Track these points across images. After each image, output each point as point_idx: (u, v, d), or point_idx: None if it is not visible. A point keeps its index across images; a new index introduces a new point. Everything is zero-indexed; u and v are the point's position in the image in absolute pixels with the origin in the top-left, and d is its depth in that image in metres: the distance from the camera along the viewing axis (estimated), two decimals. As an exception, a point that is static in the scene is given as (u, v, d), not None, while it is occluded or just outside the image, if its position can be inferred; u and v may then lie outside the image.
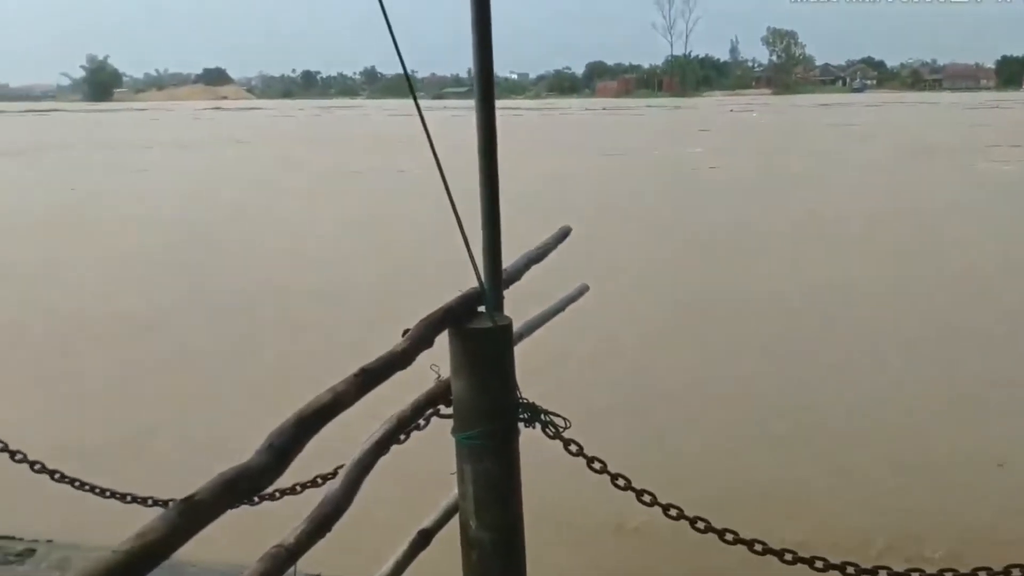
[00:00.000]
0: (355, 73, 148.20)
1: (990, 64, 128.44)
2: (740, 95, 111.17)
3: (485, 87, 2.25)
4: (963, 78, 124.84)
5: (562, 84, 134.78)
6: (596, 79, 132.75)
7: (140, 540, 1.20)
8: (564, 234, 3.63)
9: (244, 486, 1.35)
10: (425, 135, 2.12)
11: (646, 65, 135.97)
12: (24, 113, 74.43)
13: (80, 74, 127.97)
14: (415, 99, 2.02)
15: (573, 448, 2.37)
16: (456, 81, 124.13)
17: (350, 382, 1.76)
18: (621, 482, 2.39)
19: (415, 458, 2.67)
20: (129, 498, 2.75)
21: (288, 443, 1.49)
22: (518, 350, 2.45)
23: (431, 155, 2.17)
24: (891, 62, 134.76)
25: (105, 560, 1.17)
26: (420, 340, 2.11)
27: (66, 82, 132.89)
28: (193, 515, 1.25)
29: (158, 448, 5.40)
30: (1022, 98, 75.60)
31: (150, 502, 2.71)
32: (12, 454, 2.81)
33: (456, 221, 2.28)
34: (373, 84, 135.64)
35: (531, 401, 2.37)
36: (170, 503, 2.75)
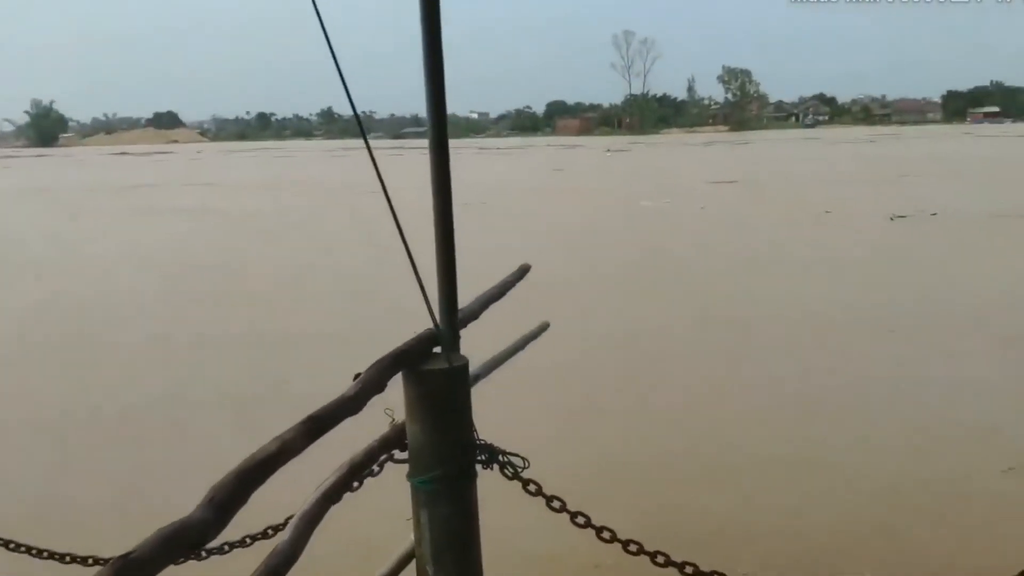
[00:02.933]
0: (311, 114, 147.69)
1: (936, 99, 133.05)
2: (697, 132, 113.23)
3: (438, 130, 2.25)
4: (911, 112, 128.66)
5: (523, 123, 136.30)
6: (556, 118, 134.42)
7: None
8: (523, 272, 3.62)
9: (184, 542, 1.29)
10: (376, 175, 2.09)
11: (606, 104, 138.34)
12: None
13: (24, 119, 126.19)
14: (365, 139, 2.00)
15: (532, 488, 2.34)
16: (415, 121, 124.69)
17: (297, 430, 1.71)
18: (581, 520, 2.35)
19: (369, 505, 2.59)
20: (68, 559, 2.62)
21: (229, 497, 1.43)
22: (478, 391, 2.41)
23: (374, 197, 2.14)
24: (842, 98, 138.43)
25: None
26: (371, 384, 2.06)
27: (9, 128, 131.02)
28: (130, 573, 1.18)
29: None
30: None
31: (67, 559, 2.57)
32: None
33: (409, 261, 2.25)
34: (330, 125, 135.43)
35: (489, 442, 2.32)
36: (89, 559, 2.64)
